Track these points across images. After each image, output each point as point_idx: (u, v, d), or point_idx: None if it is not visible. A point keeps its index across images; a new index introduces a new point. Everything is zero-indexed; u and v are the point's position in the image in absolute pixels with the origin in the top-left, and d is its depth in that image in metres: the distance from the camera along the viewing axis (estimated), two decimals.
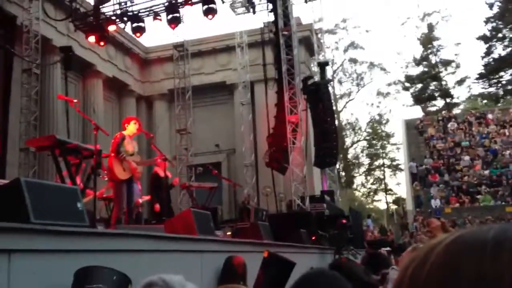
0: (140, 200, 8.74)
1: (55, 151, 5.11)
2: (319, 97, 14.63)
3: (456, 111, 37.20)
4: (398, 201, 37.19)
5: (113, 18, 13.71)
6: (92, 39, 13.87)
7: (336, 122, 17.94)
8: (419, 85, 42.93)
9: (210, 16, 13.44)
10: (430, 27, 42.91)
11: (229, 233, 8.31)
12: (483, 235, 0.46)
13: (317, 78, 16.04)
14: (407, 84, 43.39)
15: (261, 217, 9.56)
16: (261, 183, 16.52)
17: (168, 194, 8.80)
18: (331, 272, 2.05)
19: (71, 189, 3.63)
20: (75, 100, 6.92)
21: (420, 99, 42.76)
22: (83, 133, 15.39)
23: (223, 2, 13.98)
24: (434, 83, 42.87)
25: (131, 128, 6.71)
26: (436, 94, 43.05)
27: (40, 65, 13.57)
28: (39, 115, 13.30)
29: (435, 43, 42.77)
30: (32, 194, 2.89)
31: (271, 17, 14.61)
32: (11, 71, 12.63)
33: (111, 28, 13.92)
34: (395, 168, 40.85)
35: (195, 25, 17.01)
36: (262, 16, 15.96)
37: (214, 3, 13.39)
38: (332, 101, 17.30)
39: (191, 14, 14.50)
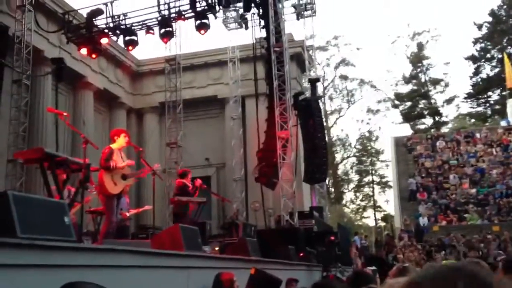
0: (128, 214, 8.70)
1: (43, 164, 5.07)
2: (310, 113, 14.72)
3: (444, 129, 37.62)
4: (387, 218, 37.26)
5: (106, 31, 13.74)
6: (84, 51, 13.89)
7: (326, 138, 18.00)
8: (409, 103, 43.39)
9: (202, 31, 13.52)
10: (420, 46, 43.57)
11: (217, 248, 8.28)
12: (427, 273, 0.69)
13: (308, 94, 16.15)
14: (396, 102, 43.85)
15: (250, 233, 9.54)
16: (250, 198, 16.49)
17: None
18: None
19: (58, 203, 3.62)
20: (65, 113, 6.88)
21: (409, 117, 43.17)
22: (72, 146, 15.28)
23: (215, 18, 14.07)
24: (423, 101, 43.37)
25: (121, 141, 6.62)
26: (425, 112, 43.52)
27: (30, 76, 13.54)
28: (28, 126, 13.22)
29: (425, 62, 43.42)
30: (19, 208, 2.88)
31: (263, 33, 14.75)
32: (1, 81, 12.55)
33: (104, 40, 13.94)
34: (384, 185, 41.01)
35: (187, 39, 17.13)
36: (255, 31, 16.14)
37: (207, 18, 13.48)
38: (323, 117, 17.41)
39: (184, 28, 14.61)
